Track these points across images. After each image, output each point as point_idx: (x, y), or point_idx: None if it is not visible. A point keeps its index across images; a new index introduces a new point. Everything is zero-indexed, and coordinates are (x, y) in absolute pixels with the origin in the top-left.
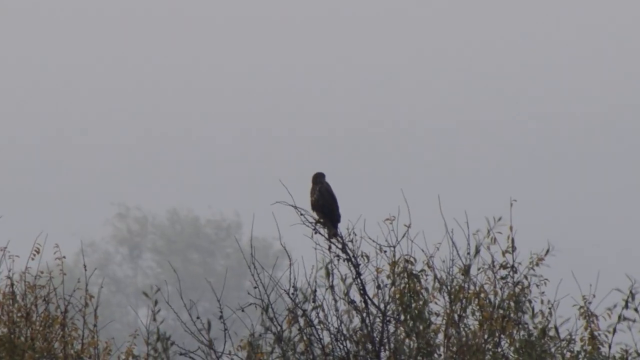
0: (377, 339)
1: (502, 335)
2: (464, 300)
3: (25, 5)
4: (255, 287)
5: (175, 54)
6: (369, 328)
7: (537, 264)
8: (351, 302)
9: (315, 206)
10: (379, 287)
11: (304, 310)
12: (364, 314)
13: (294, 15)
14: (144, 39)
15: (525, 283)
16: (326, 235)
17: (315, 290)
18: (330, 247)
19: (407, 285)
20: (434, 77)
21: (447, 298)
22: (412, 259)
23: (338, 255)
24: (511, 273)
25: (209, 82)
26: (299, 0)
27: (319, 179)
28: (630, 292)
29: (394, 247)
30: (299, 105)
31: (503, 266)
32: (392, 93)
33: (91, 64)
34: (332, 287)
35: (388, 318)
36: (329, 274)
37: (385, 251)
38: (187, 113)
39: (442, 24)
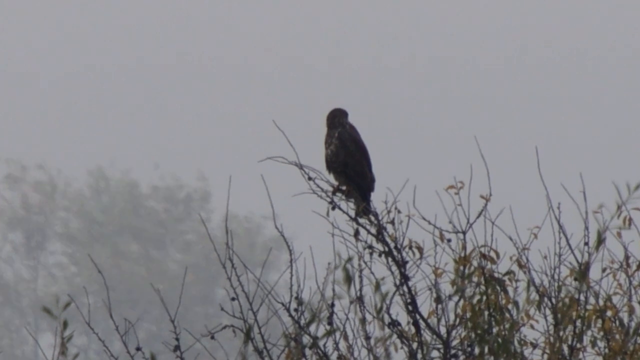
0: None
1: None
2: (578, 322)
3: None
4: (233, 299)
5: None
6: None
7: None
8: (392, 324)
9: (332, 163)
10: (438, 300)
11: (314, 338)
12: (414, 345)
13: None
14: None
15: None
16: (351, 213)
17: (333, 305)
18: (357, 233)
19: (484, 297)
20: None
21: (550, 318)
22: (492, 253)
23: (370, 247)
24: None
25: None
26: None
27: (337, 120)
28: None
29: (464, 233)
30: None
31: None
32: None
33: None
34: (359, 299)
35: (454, 351)
36: (350, 278)
37: (449, 240)
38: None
39: None
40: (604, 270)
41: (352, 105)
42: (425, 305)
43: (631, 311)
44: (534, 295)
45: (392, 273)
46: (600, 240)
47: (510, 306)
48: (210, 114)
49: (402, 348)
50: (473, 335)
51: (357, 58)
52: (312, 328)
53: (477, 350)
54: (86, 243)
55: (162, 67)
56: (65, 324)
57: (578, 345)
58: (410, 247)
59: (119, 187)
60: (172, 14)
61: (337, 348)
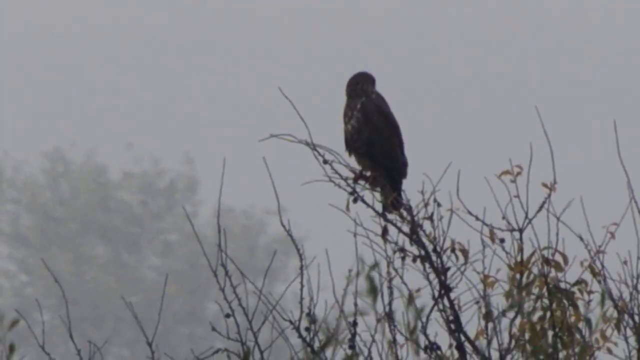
0: None
1: None
2: None
3: None
4: (227, 316)
5: None
6: None
7: None
8: (430, 347)
9: (353, 142)
10: (488, 316)
11: None
12: None
13: None
14: None
15: None
16: (377, 206)
17: (355, 323)
18: (385, 231)
19: (547, 314)
20: None
21: (632, 339)
22: (558, 257)
23: (402, 249)
24: None
25: None
26: None
27: (360, 87)
28: None
29: (522, 231)
30: None
31: None
32: None
33: None
34: (388, 315)
35: None
36: (376, 289)
37: (502, 240)
38: None
39: None
40: None
41: (379, 67)
42: (471, 323)
43: None
44: (612, 311)
45: (430, 283)
46: None
47: (581, 325)
48: (198, 79)
49: None
50: None
51: (378, 8)
52: (328, 353)
53: None
54: (40, 245)
55: (137, 22)
56: (12, 348)
57: None
58: (453, 250)
59: (81, 173)
60: None
61: None
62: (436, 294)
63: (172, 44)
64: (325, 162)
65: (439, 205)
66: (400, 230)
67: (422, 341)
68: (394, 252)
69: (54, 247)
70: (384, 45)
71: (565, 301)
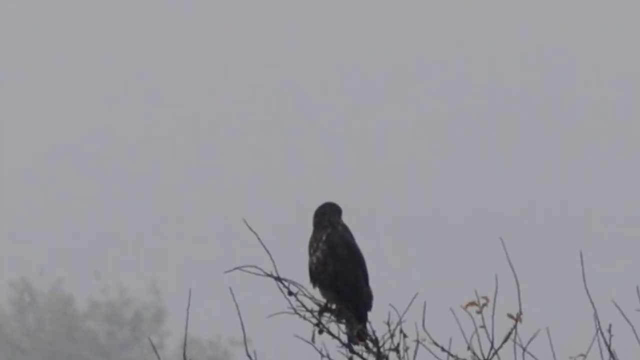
0: None
1: None
2: None
3: None
4: None
5: None
6: None
7: None
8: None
9: (318, 275)
10: None
11: None
12: None
13: None
14: None
15: None
16: (343, 338)
17: None
18: None
19: None
20: None
21: None
22: None
23: None
24: None
25: None
26: None
27: (328, 218)
28: None
29: None
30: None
31: None
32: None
33: None
34: None
35: None
36: None
37: None
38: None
39: None
40: None
41: (344, 197)
42: None
43: None
44: None
45: None
46: None
47: None
48: (164, 210)
49: None
50: None
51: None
52: None
53: None
54: None
55: (98, 152)
56: None
57: None
58: None
59: (49, 304)
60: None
61: None
62: None
63: (138, 175)
64: (291, 293)
65: (405, 336)
66: None
67: None
68: None
69: None
70: (345, 176)
71: None
